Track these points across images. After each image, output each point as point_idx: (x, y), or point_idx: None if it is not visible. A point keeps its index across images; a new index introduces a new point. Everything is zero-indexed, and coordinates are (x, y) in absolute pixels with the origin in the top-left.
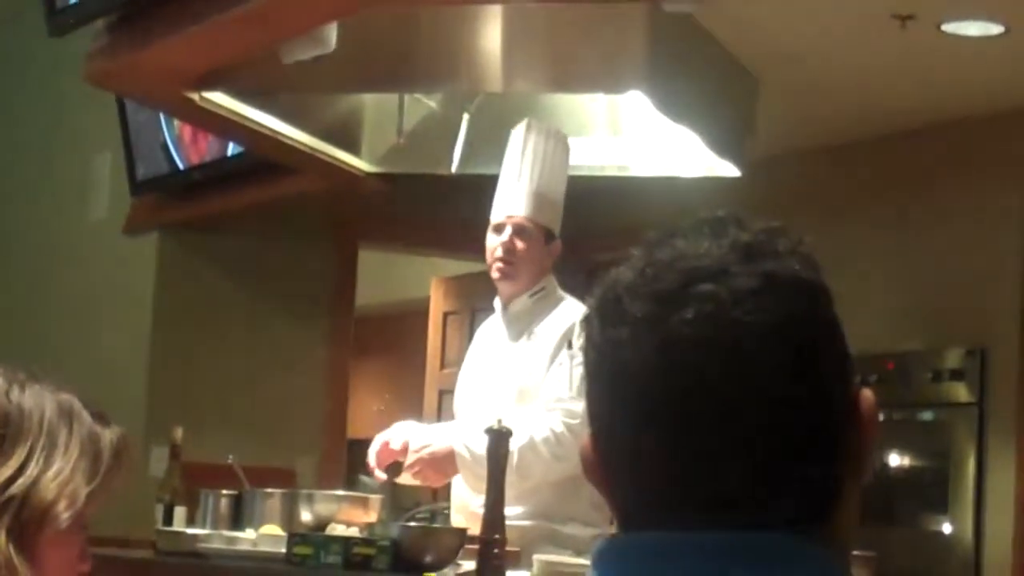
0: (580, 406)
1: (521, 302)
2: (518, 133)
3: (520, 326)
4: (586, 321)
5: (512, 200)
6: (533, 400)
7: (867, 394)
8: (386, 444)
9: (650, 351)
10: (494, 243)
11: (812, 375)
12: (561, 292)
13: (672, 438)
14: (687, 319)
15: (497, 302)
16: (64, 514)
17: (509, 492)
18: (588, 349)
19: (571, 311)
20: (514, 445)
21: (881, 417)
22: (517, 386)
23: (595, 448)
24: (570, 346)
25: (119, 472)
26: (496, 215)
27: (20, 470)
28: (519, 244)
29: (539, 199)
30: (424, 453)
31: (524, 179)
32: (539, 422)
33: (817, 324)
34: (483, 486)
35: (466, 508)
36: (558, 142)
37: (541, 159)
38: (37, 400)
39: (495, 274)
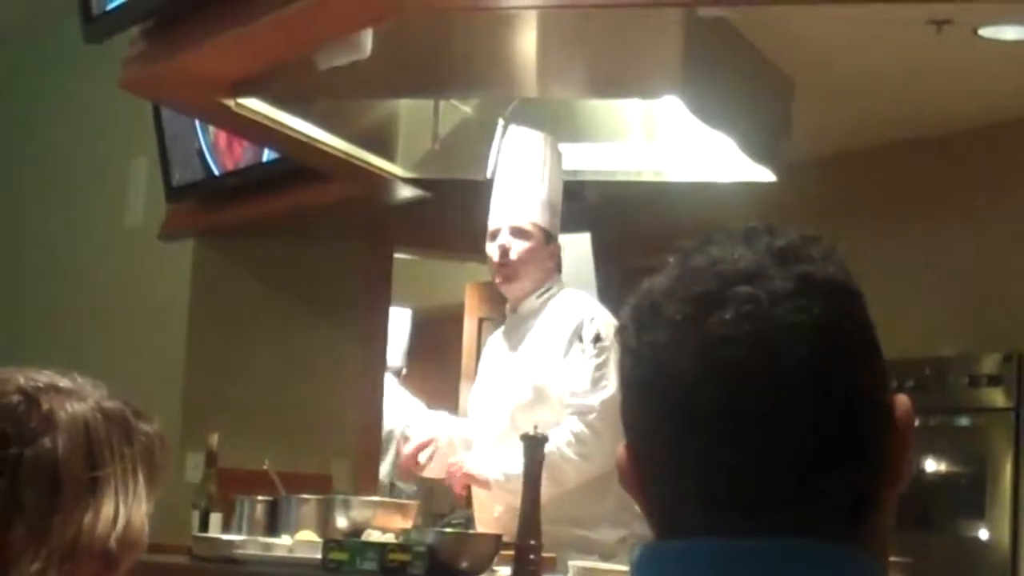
0: (595, 400)
1: (529, 303)
2: (506, 141)
3: (530, 327)
4: (621, 329)
5: (507, 206)
6: (550, 398)
7: (903, 399)
8: (414, 454)
9: (689, 353)
10: (492, 250)
11: (850, 377)
12: (569, 290)
13: (713, 440)
14: (726, 320)
15: (508, 308)
16: (143, 545)
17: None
18: (624, 356)
19: (579, 306)
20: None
21: (917, 423)
22: (532, 384)
23: (631, 456)
24: (581, 340)
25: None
26: (492, 223)
27: (116, 514)
28: (518, 247)
29: (533, 202)
30: (457, 472)
31: (517, 185)
32: (559, 429)
33: (855, 327)
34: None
35: (489, 513)
36: (546, 146)
37: (531, 164)
38: (102, 425)
39: (497, 279)
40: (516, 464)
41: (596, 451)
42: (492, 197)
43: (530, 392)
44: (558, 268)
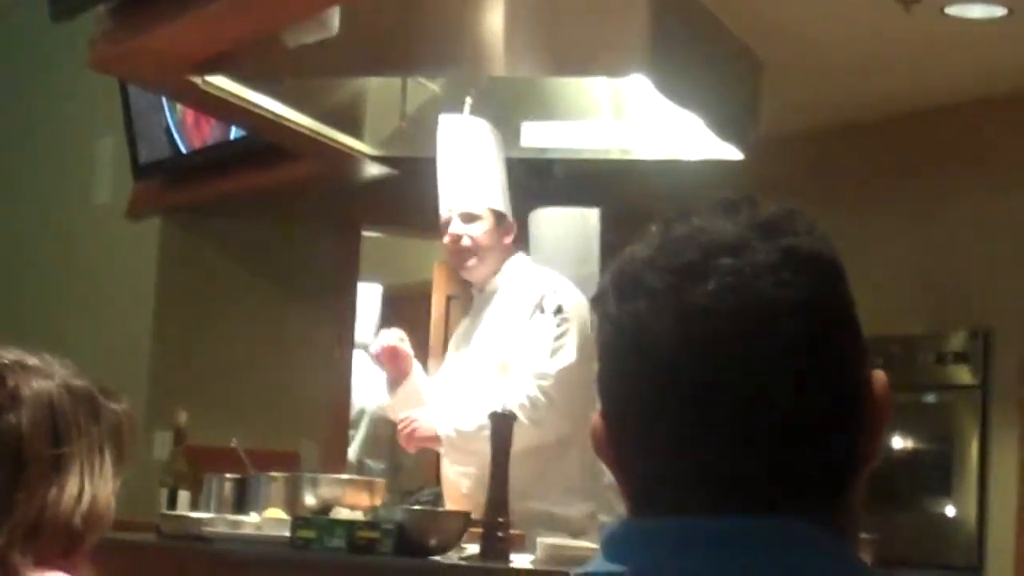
0: (551, 367)
1: (493, 283)
2: (440, 131)
3: (494, 304)
4: (600, 297)
5: (453, 193)
6: (514, 371)
7: (880, 375)
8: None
9: (670, 323)
10: (446, 239)
11: (831, 351)
12: (532, 266)
13: (690, 411)
14: (708, 291)
15: (474, 288)
16: (109, 522)
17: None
18: (603, 324)
19: (542, 281)
20: (486, 416)
21: None
22: (499, 360)
23: (606, 425)
24: (543, 311)
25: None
26: (442, 211)
27: (80, 491)
28: (471, 231)
29: (479, 186)
30: (408, 428)
31: (460, 171)
32: (513, 391)
33: (836, 302)
34: (469, 460)
35: (457, 490)
36: (480, 128)
37: (470, 148)
38: (68, 403)
39: (454, 264)
40: (469, 421)
41: (546, 417)
42: (438, 185)
43: (497, 367)
44: (519, 245)
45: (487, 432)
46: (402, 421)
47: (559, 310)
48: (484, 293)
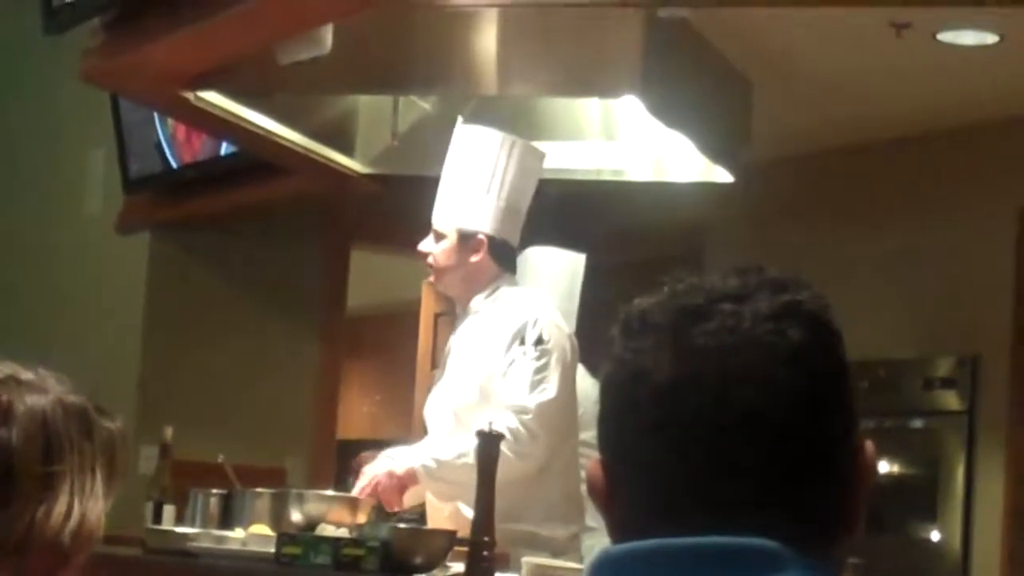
0: (531, 401)
1: (477, 303)
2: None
3: (477, 327)
4: (609, 341)
5: (434, 209)
6: (493, 398)
7: (870, 446)
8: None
9: (669, 358)
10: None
11: (820, 407)
12: (517, 289)
13: (681, 444)
14: (707, 330)
15: (458, 308)
16: (98, 541)
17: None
18: (606, 363)
19: (524, 308)
20: (470, 445)
21: (871, 425)
22: (477, 385)
23: (603, 462)
24: (523, 342)
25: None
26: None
27: (69, 509)
28: (435, 249)
29: (446, 204)
30: (377, 482)
31: (441, 187)
32: (493, 422)
33: (831, 360)
34: (452, 492)
35: (439, 513)
36: (482, 141)
37: (459, 162)
38: (61, 419)
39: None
40: (447, 450)
41: (529, 451)
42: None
43: (475, 392)
44: (504, 265)
45: (466, 459)
46: (372, 478)
47: (539, 341)
48: (467, 313)
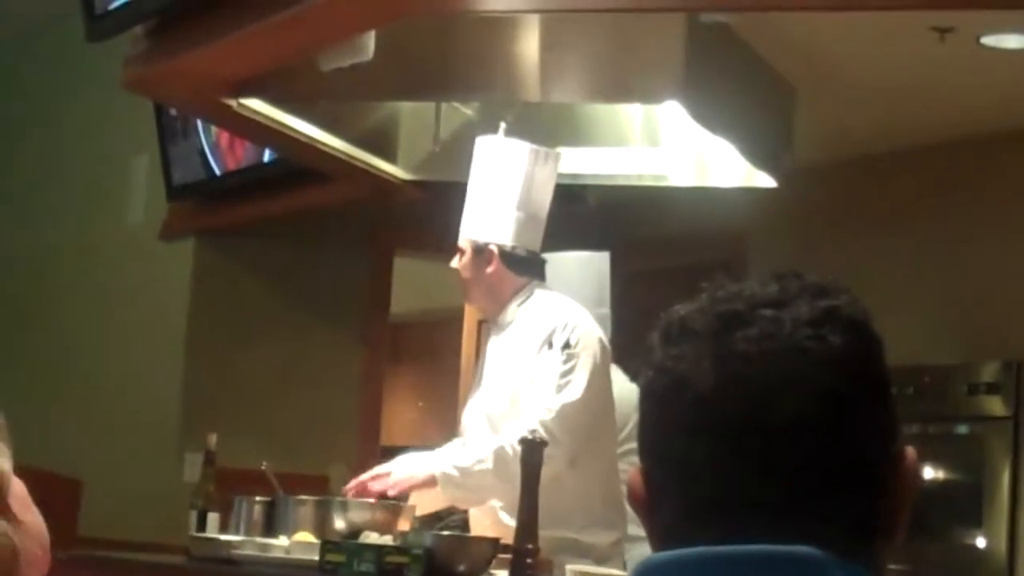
0: (556, 402)
1: (511, 312)
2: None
3: (511, 334)
4: (648, 348)
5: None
6: (523, 404)
7: (911, 451)
8: (365, 483)
9: (709, 364)
10: None
11: (861, 412)
12: (547, 295)
13: (722, 450)
14: (748, 336)
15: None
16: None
17: (506, 500)
18: (645, 371)
19: (554, 313)
20: (488, 451)
21: (915, 430)
22: (509, 392)
23: (643, 469)
24: (551, 346)
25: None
26: None
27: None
28: (459, 264)
29: (466, 219)
30: (383, 485)
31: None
32: (517, 426)
33: (871, 367)
34: (469, 499)
35: (482, 520)
36: (505, 152)
37: (482, 176)
38: None
39: None
40: (468, 457)
41: (549, 453)
42: None
43: (507, 400)
44: (525, 273)
45: (483, 466)
46: (375, 479)
47: (567, 345)
48: (498, 325)
